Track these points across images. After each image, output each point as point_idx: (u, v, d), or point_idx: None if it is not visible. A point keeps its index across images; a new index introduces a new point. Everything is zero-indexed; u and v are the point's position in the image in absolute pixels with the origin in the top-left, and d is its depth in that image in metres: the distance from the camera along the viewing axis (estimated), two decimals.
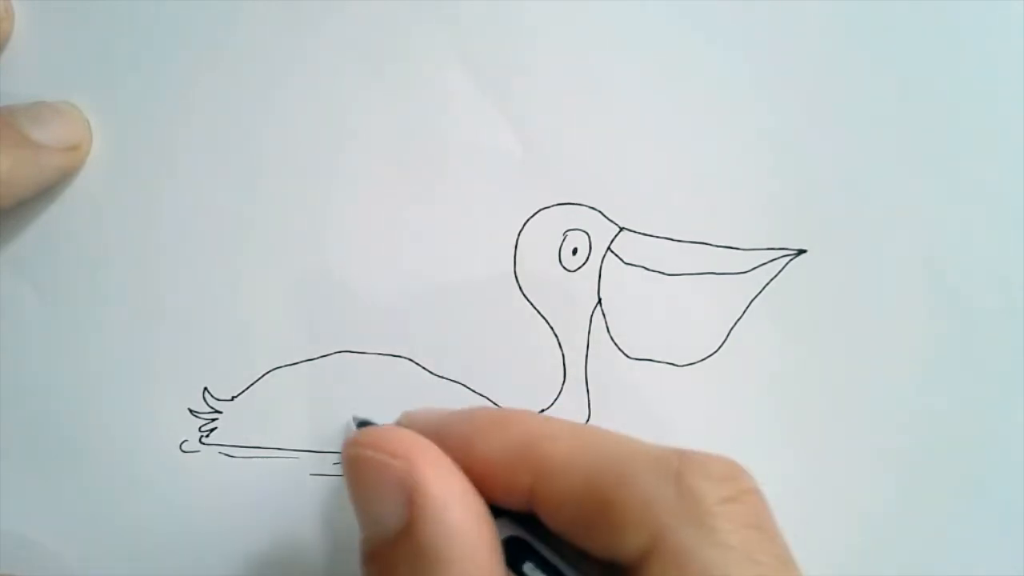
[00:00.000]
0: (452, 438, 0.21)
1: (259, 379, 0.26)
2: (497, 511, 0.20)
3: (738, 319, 0.27)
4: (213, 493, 0.26)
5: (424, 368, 0.26)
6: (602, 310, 0.27)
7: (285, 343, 0.26)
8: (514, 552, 0.20)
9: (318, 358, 0.26)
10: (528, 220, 0.26)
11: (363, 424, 0.25)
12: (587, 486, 0.19)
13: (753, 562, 0.18)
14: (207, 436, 0.26)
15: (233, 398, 0.26)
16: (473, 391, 0.27)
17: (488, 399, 0.27)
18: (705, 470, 0.19)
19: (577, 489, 0.19)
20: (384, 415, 0.25)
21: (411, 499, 0.19)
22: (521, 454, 0.20)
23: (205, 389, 0.26)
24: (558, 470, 0.19)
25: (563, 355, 0.27)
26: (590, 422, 0.27)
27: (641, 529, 0.18)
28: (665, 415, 0.27)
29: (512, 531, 0.20)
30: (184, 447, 0.26)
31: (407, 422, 0.23)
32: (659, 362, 0.27)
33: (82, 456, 0.26)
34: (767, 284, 0.27)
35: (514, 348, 0.26)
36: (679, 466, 0.19)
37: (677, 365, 0.27)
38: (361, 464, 0.20)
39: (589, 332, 0.27)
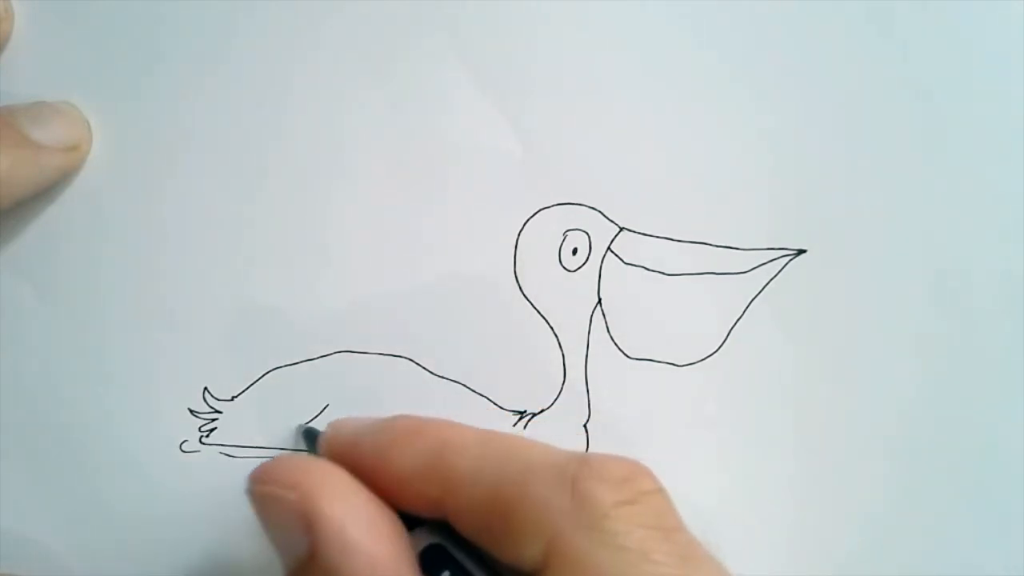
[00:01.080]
0: (369, 449, 0.21)
1: (259, 379, 0.26)
2: (418, 520, 0.21)
3: (738, 319, 0.27)
4: (213, 493, 0.26)
5: (424, 368, 0.26)
6: (602, 310, 0.27)
7: (285, 343, 0.26)
8: (435, 560, 0.20)
9: (318, 358, 0.26)
10: (528, 220, 0.26)
11: (308, 432, 0.26)
12: (490, 495, 0.19)
13: (650, 562, 0.18)
14: (207, 436, 0.26)
15: (233, 398, 0.26)
16: (473, 391, 0.27)
17: (488, 399, 0.27)
18: (601, 474, 0.19)
19: (481, 499, 0.19)
20: (383, 415, 0.25)
21: (310, 526, 0.19)
22: (430, 464, 0.20)
23: (205, 389, 0.26)
24: (465, 480, 0.20)
25: (563, 355, 0.27)
26: (590, 422, 0.27)
27: (538, 536, 0.19)
28: (665, 415, 0.27)
29: (431, 540, 0.21)
30: (184, 447, 0.26)
31: (332, 432, 0.23)
32: (659, 362, 0.27)
33: (82, 456, 0.26)
34: (767, 284, 0.27)
35: (514, 348, 0.27)
36: (576, 471, 0.19)
37: (677, 365, 0.27)
38: (260, 500, 0.20)
39: (589, 332, 0.27)
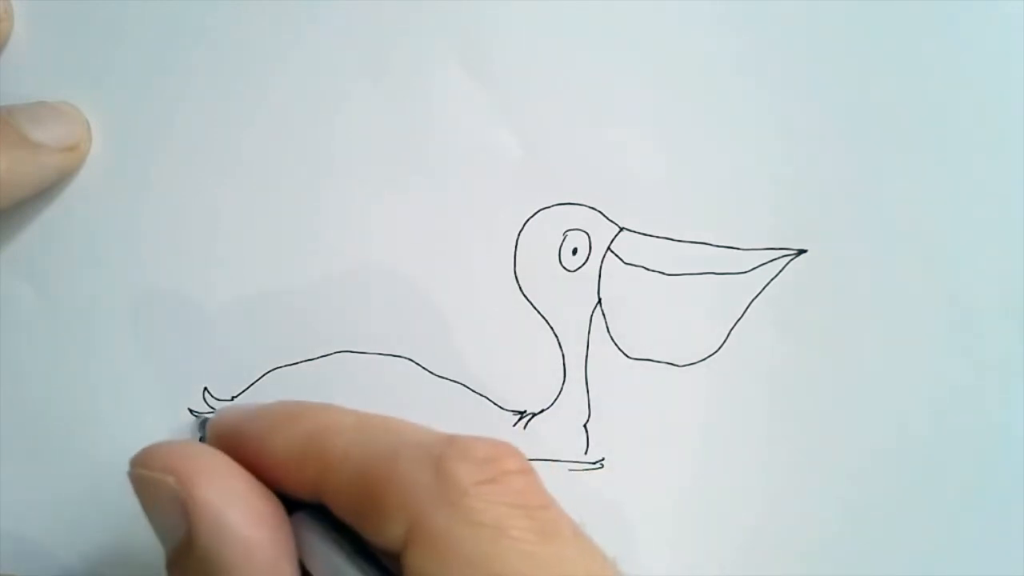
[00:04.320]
0: (250, 434, 0.21)
1: (259, 379, 0.26)
2: (300, 504, 0.21)
3: (738, 319, 0.27)
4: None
5: (424, 368, 0.26)
6: (602, 310, 0.27)
7: (285, 343, 0.26)
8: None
9: (318, 358, 0.26)
10: (528, 220, 0.26)
11: (203, 423, 0.26)
12: (359, 476, 0.20)
13: (508, 537, 0.18)
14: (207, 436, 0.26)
15: (233, 398, 0.26)
16: (473, 391, 0.27)
17: (488, 399, 0.27)
18: (466, 453, 0.19)
19: (351, 479, 0.20)
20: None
21: (186, 510, 0.19)
22: (306, 448, 0.20)
23: (205, 389, 0.26)
24: (336, 463, 0.20)
25: (563, 355, 0.27)
26: (590, 422, 0.27)
27: (401, 516, 0.19)
28: (665, 415, 0.27)
29: (310, 522, 0.21)
30: None
31: (216, 419, 0.23)
32: (659, 362, 0.27)
33: (82, 456, 0.26)
34: (767, 284, 0.27)
35: (514, 348, 0.27)
36: (441, 451, 0.19)
37: (677, 365, 0.27)
38: (139, 483, 0.21)
39: (589, 332, 0.27)
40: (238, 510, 0.20)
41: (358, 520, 0.20)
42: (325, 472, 0.20)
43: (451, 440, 0.19)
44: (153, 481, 0.20)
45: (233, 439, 0.21)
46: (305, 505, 0.21)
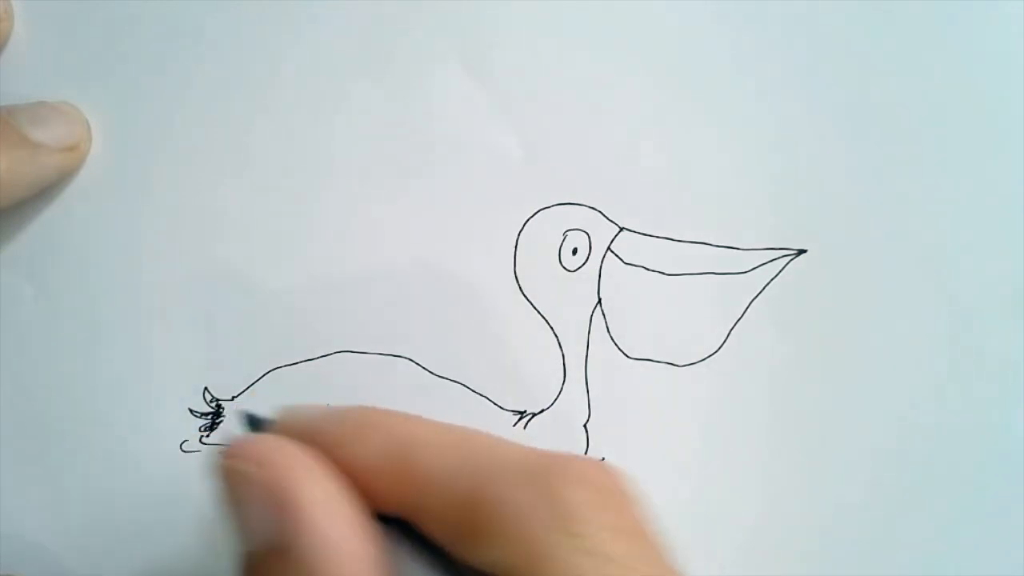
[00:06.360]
0: (328, 440, 0.20)
1: (259, 379, 0.26)
2: (378, 517, 0.20)
3: (738, 319, 0.27)
4: (214, 493, 0.26)
5: (424, 368, 0.26)
6: (602, 310, 0.27)
7: (285, 343, 0.26)
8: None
9: (318, 358, 0.26)
10: (528, 220, 0.26)
11: (251, 419, 0.23)
12: (459, 496, 0.19)
13: (625, 568, 0.18)
14: (207, 436, 0.26)
15: (233, 398, 0.26)
16: (473, 391, 0.27)
17: (488, 399, 0.27)
18: (577, 477, 0.19)
19: (450, 499, 0.19)
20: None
21: (285, 509, 0.18)
22: (396, 460, 0.19)
23: (205, 389, 0.26)
24: (433, 480, 0.19)
25: (563, 355, 0.27)
26: (590, 422, 0.27)
27: (512, 540, 0.18)
28: (665, 415, 0.27)
29: (392, 538, 0.20)
30: (184, 447, 0.26)
31: (286, 417, 0.21)
32: (659, 362, 0.27)
33: (82, 456, 0.26)
34: (767, 284, 0.27)
35: (514, 348, 0.27)
36: (550, 473, 0.19)
37: (677, 365, 0.27)
38: (232, 477, 0.19)
39: (589, 332, 0.27)
40: (344, 517, 0.18)
41: (455, 540, 0.19)
42: (419, 488, 0.19)
43: (557, 461, 0.19)
44: (247, 475, 0.19)
45: (308, 444, 0.20)
46: (385, 518, 0.20)
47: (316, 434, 0.20)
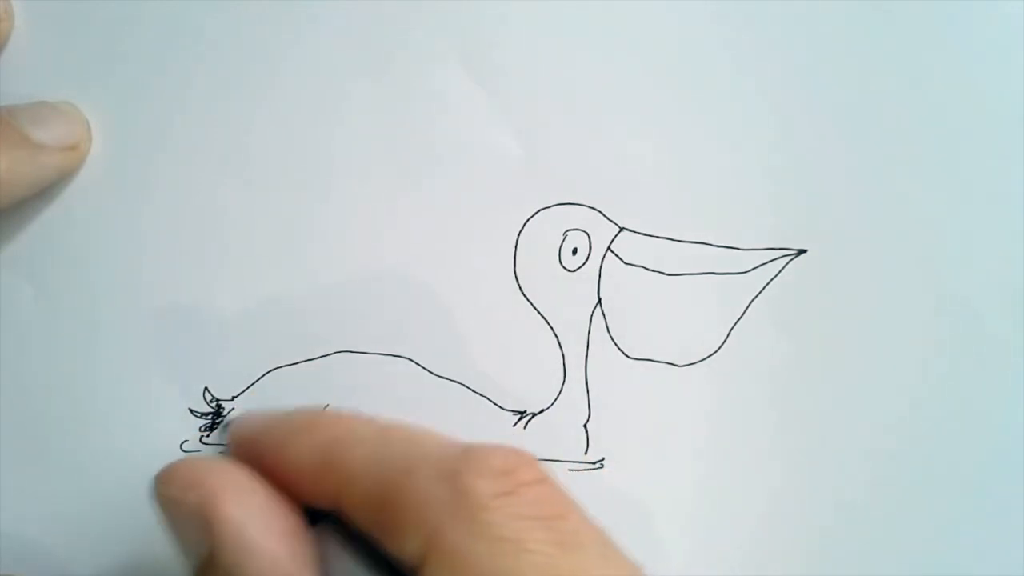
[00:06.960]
0: (269, 444, 0.21)
1: (259, 379, 0.26)
2: (319, 514, 0.21)
3: (738, 319, 0.27)
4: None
5: (424, 368, 0.26)
6: (602, 310, 0.27)
7: (285, 343, 0.26)
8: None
9: (318, 358, 0.26)
10: (528, 220, 0.26)
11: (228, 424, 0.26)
12: (377, 491, 0.20)
13: (525, 551, 0.18)
14: (207, 436, 0.26)
15: (233, 398, 0.26)
16: (473, 391, 0.27)
17: (488, 399, 0.27)
18: (482, 466, 0.19)
19: (369, 494, 0.20)
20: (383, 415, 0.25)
21: (209, 528, 0.20)
22: (324, 459, 0.20)
23: (205, 389, 0.26)
24: (354, 476, 0.20)
25: (563, 355, 0.27)
26: (590, 422, 0.27)
27: (418, 531, 0.19)
28: (665, 415, 0.27)
29: (332, 534, 0.21)
30: (184, 447, 0.26)
31: (236, 428, 0.23)
32: (659, 362, 0.27)
33: (82, 456, 0.26)
34: (767, 284, 0.27)
35: (514, 348, 0.27)
36: (457, 464, 0.19)
37: (677, 365, 0.27)
38: (163, 502, 0.21)
39: (589, 332, 0.27)
40: (259, 525, 0.20)
41: (377, 533, 0.20)
42: (343, 485, 0.20)
43: (466, 451, 0.19)
44: (176, 499, 0.21)
45: (252, 448, 0.22)
46: (326, 515, 0.21)
47: (260, 440, 0.22)
